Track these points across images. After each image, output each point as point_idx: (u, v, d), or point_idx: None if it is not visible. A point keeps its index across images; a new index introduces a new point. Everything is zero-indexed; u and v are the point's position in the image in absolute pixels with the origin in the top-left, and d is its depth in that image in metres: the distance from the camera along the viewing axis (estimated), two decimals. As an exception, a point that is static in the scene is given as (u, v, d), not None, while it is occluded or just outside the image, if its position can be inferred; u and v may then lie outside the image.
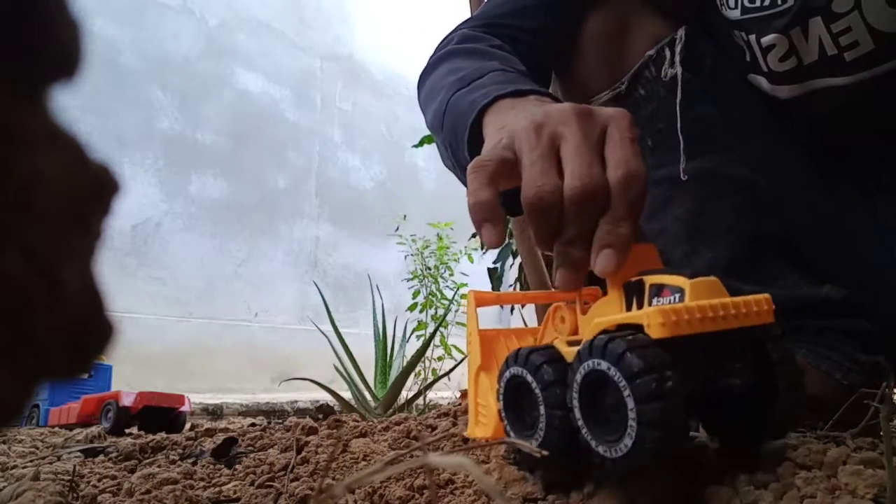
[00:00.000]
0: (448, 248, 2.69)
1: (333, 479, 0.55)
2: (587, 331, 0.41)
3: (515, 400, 0.45)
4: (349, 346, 1.68)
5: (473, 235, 2.18)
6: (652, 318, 0.36)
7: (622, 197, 0.42)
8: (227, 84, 3.55)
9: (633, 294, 0.41)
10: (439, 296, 2.56)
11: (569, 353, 0.41)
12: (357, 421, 0.82)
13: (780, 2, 0.63)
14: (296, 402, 2.50)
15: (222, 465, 0.69)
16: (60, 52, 0.15)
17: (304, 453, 0.65)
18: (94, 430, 1.07)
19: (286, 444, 0.70)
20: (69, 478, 0.61)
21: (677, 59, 0.68)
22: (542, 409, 0.42)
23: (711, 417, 0.43)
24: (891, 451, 0.33)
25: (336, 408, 1.49)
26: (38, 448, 0.95)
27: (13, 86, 0.14)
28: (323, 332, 1.73)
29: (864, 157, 0.71)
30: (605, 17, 0.72)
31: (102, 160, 0.16)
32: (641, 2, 0.72)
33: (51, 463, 0.75)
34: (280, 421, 1.51)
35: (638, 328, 0.37)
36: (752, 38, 0.66)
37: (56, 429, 1.35)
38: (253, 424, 1.34)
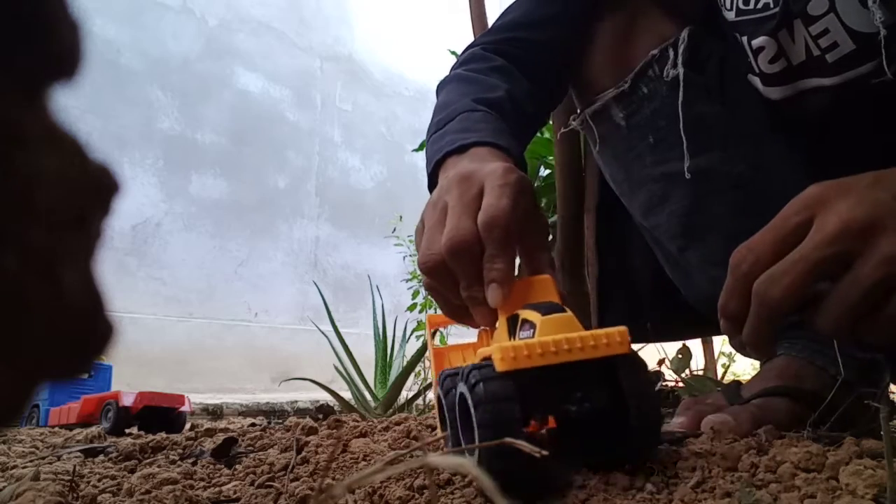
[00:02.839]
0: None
1: (333, 479, 0.55)
2: (475, 357, 0.46)
3: (441, 410, 0.52)
4: (349, 346, 1.68)
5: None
6: (495, 354, 0.40)
7: (487, 238, 0.49)
8: (227, 84, 3.55)
9: (511, 325, 0.48)
10: (438, 296, 2.55)
11: None
12: (357, 421, 0.82)
13: (771, 4, 0.63)
14: (296, 402, 2.50)
15: (222, 465, 0.69)
16: (60, 52, 0.15)
17: (304, 453, 0.65)
18: (94, 430, 1.07)
19: (286, 444, 0.70)
20: (69, 478, 0.61)
21: (680, 59, 0.68)
22: (448, 424, 0.48)
23: (571, 440, 0.44)
24: (891, 451, 0.33)
25: (336, 408, 1.49)
26: (38, 448, 0.94)
27: (13, 85, 0.14)
28: (323, 332, 1.73)
29: (863, 156, 0.71)
30: (617, 19, 0.73)
31: (102, 160, 0.16)
32: (653, 3, 0.73)
33: (51, 463, 0.75)
34: (280, 421, 1.51)
35: None
36: (745, 39, 0.67)
37: (56, 429, 1.35)
38: (253, 424, 1.34)
